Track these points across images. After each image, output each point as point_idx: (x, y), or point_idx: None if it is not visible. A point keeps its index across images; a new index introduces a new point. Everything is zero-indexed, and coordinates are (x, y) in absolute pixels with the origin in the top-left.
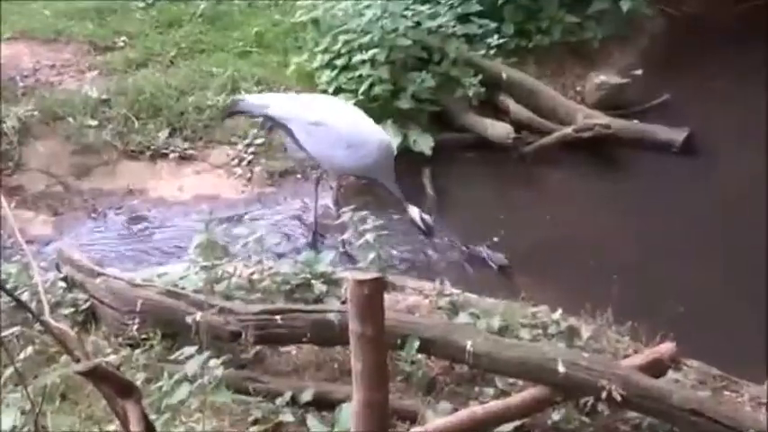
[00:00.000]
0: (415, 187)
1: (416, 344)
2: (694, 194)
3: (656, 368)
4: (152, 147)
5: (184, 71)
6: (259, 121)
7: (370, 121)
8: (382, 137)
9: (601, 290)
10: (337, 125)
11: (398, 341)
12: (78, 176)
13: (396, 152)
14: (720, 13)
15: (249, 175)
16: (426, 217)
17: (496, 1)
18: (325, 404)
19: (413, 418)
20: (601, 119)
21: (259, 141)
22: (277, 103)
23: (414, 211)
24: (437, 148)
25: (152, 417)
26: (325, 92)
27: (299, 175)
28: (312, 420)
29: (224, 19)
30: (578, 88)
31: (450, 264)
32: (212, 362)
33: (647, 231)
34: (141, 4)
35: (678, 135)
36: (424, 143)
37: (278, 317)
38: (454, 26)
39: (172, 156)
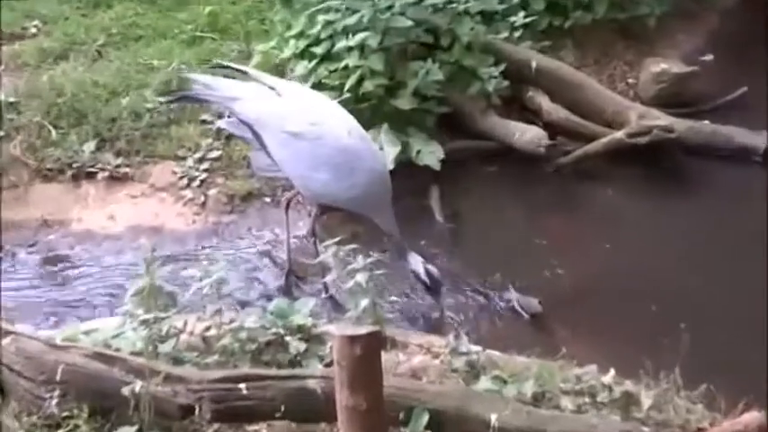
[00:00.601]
0: (419, 213)
1: (425, 418)
2: None
3: None
4: (74, 164)
5: (116, 65)
6: (214, 128)
7: (366, 136)
8: (377, 161)
9: (666, 343)
10: (323, 139)
11: (401, 415)
12: None
13: (392, 167)
14: None
15: (202, 199)
16: (432, 269)
17: None
18: None
19: None
20: (660, 119)
21: (214, 155)
22: (247, 97)
23: (416, 262)
24: (447, 161)
25: None
26: None
27: (267, 199)
28: None
29: None
30: (631, 80)
31: (468, 312)
32: None
33: (725, 266)
34: None
35: (760, 139)
36: (430, 154)
37: (242, 385)
38: (467, 1)
39: (101, 175)
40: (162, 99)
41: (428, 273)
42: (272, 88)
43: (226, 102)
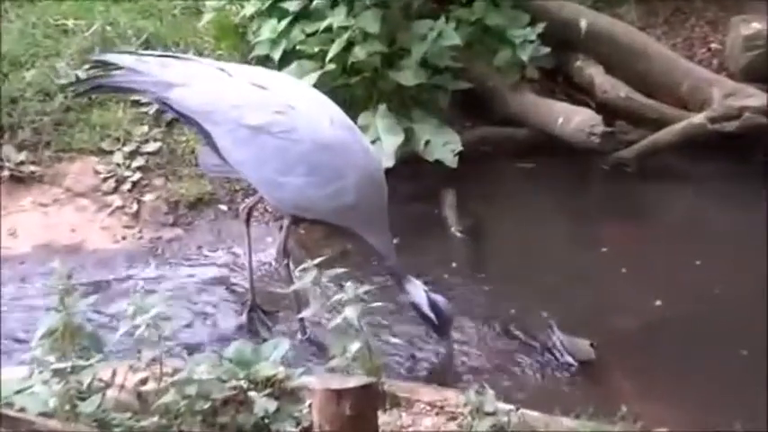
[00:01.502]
0: (429, 224)
1: None
2: None
3: None
4: None
5: (18, 26)
6: (151, 111)
7: (353, 127)
8: (369, 158)
9: (762, 402)
10: (294, 132)
11: None
12: None
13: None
14: None
15: (135, 207)
16: (439, 299)
17: None
18: None
19: None
20: (753, 98)
21: (151, 148)
22: (188, 81)
23: (416, 291)
24: (466, 155)
25: None
26: (265, 59)
27: (223, 207)
28: None
29: None
30: (714, 45)
31: (496, 359)
32: None
33: None
34: None
35: None
36: (443, 146)
37: None
38: None
39: None
40: (69, 87)
41: (433, 305)
42: (220, 70)
43: (158, 90)
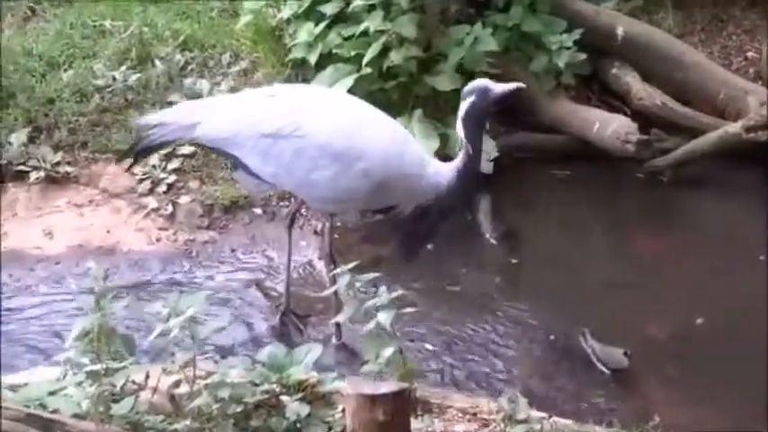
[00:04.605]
0: (464, 230)
1: None
2: None
3: None
4: None
5: (55, 27)
6: None
7: (372, 109)
8: (393, 127)
9: None
10: (308, 127)
11: None
12: None
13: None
14: None
15: (170, 209)
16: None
17: None
18: None
19: None
20: None
21: (187, 150)
22: (207, 115)
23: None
24: (502, 162)
25: None
26: (302, 62)
27: (257, 210)
28: None
29: None
30: (750, 54)
31: (529, 366)
32: None
33: None
34: None
35: None
36: None
37: None
38: None
39: (34, 176)
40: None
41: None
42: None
43: (187, 133)
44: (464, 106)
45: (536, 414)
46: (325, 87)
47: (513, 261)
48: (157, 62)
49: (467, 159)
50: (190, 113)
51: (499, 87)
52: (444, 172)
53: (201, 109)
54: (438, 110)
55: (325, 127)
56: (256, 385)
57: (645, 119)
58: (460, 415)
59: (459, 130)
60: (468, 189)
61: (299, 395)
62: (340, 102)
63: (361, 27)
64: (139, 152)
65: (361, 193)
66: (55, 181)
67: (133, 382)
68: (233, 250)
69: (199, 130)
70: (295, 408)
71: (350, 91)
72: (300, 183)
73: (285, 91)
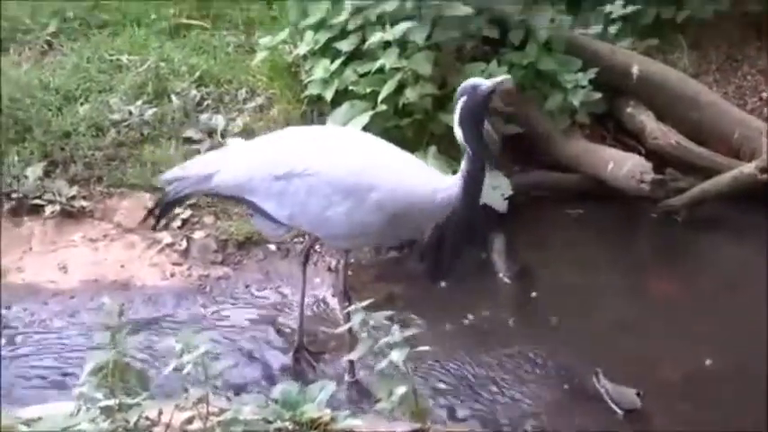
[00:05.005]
0: (478, 269)
1: None
2: None
3: None
4: (14, 194)
5: (72, 61)
6: (203, 149)
7: (381, 142)
8: (402, 156)
9: None
10: (318, 165)
11: None
12: None
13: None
14: None
15: (184, 244)
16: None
17: None
18: None
19: None
20: None
21: None
22: (220, 165)
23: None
24: (516, 200)
25: None
26: (317, 99)
27: (272, 247)
28: None
29: None
30: (765, 94)
31: (542, 404)
32: None
33: None
34: None
35: None
36: (493, 190)
37: None
38: None
39: (50, 209)
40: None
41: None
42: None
43: (204, 185)
44: (458, 109)
45: None
46: (338, 125)
47: (527, 300)
48: (173, 97)
49: (470, 163)
50: (206, 165)
51: (487, 82)
52: (452, 184)
53: (217, 159)
54: (453, 147)
55: (335, 163)
56: (270, 422)
57: (659, 158)
58: None
59: (458, 135)
60: (476, 193)
61: None
62: (348, 138)
63: (377, 64)
64: (162, 210)
65: (375, 226)
66: (70, 215)
67: (146, 418)
68: (247, 286)
69: (216, 179)
70: None
71: (365, 128)
72: (316, 221)
73: (295, 133)
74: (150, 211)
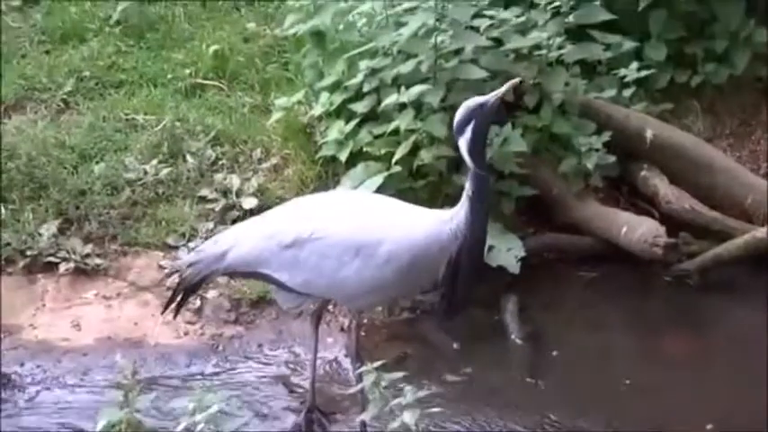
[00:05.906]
0: (489, 331)
1: None
2: None
3: None
4: (29, 251)
5: (88, 120)
6: (217, 208)
7: (384, 198)
8: (407, 209)
9: None
10: (325, 228)
11: None
12: None
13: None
14: None
15: (198, 303)
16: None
17: (636, 3)
18: None
19: None
20: None
21: None
22: (232, 242)
23: None
24: (529, 262)
25: None
26: (332, 160)
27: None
28: None
29: (158, 29)
30: None
31: None
32: None
33: None
34: (15, 2)
35: None
36: (506, 252)
37: None
38: (561, 47)
39: (63, 267)
40: (149, 185)
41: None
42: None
43: (219, 264)
44: (468, 134)
45: None
46: (352, 186)
47: (539, 361)
48: (188, 157)
49: (475, 181)
50: (218, 244)
51: (491, 96)
52: (457, 210)
53: (228, 237)
54: None
55: (341, 223)
56: None
57: (673, 222)
58: None
59: (467, 158)
60: (483, 212)
61: None
62: (351, 199)
63: (392, 126)
64: (183, 297)
65: (390, 279)
66: (84, 273)
67: None
68: (260, 345)
69: (229, 257)
70: None
71: (379, 189)
72: (331, 284)
73: (301, 202)
74: (170, 300)
